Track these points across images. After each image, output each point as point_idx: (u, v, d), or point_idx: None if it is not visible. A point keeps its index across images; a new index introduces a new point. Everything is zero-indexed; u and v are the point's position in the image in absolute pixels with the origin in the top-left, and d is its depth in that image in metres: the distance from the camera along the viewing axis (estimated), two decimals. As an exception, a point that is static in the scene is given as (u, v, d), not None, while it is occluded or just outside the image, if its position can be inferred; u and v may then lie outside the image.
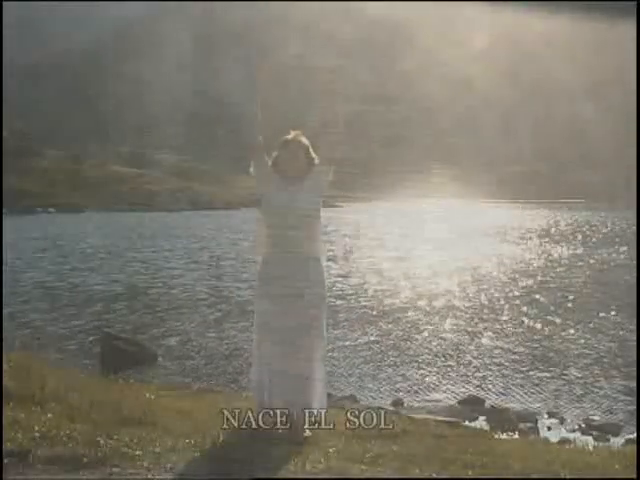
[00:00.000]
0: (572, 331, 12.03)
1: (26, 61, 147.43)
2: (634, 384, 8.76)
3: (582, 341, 11.23)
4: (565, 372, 9.50)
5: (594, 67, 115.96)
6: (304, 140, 4.10)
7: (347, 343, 10.91)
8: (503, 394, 8.68)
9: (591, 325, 12.48)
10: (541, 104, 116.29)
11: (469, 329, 12.24)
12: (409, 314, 13.65)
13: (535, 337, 11.60)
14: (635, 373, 9.21)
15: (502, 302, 14.94)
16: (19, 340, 9.20)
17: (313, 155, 4.10)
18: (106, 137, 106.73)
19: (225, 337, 11.61)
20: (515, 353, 10.52)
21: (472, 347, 10.92)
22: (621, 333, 11.74)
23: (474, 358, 10.27)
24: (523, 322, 12.84)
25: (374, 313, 13.75)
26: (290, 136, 4.11)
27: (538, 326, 12.43)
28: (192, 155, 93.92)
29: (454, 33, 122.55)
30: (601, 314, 13.38)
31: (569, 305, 14.71)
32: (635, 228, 35.69)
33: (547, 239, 32.71)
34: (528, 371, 9.58)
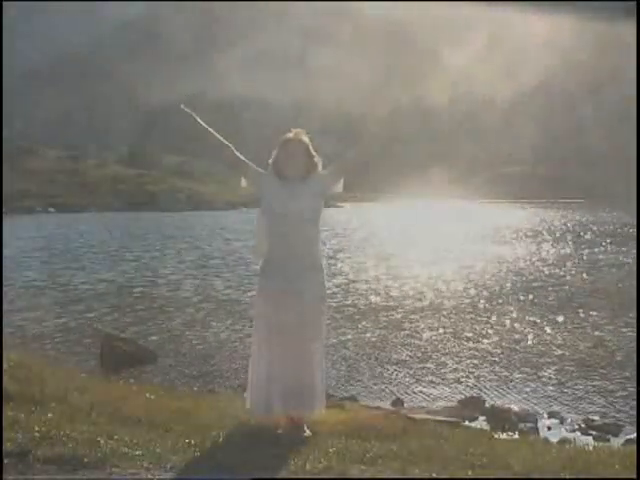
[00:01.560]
0: (550, 330, 11.96)
1: (26, 61, 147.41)
2: (611, 386, 8.75)
3: (560, 341, 11.16)
4: (540, 373, 9.43)
5: (594, 67, 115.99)
6: (304, 139, 4.01)
7: (333, 341, 10.85)
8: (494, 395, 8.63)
9: (570, 326, 12.41)
10: (541, 104, 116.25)
11: (451, 329, 12.17)
12: (391, 313, 13.59)
13: (514, 337, 11.52)
14: (610, 374, 9.20)
15: (484, 302, 14.86)
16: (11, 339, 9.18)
17: (313, 153, 4.02)
18: (106, 137, 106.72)
19: (214, 335, 11.55)
20: (493, 354, 10.46)
21: (454, 347, 10.83)
22: (596, 333, 11.68)
23: (451, 358, 10.20)
24: (505, 322, 12.79)
25: (358, 312, 13.70)
26: (290, 134, 4.03)
27: (517, 326, 12.37)
28: (192, 155, 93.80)
29: (454, 33, 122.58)
30: (582, 314, 13.31)
31: (552, 304, 14.64)
32: (626, 228, 35.63)
33: (538, 239, 32.67)
34: (503, 371, 9.53)
